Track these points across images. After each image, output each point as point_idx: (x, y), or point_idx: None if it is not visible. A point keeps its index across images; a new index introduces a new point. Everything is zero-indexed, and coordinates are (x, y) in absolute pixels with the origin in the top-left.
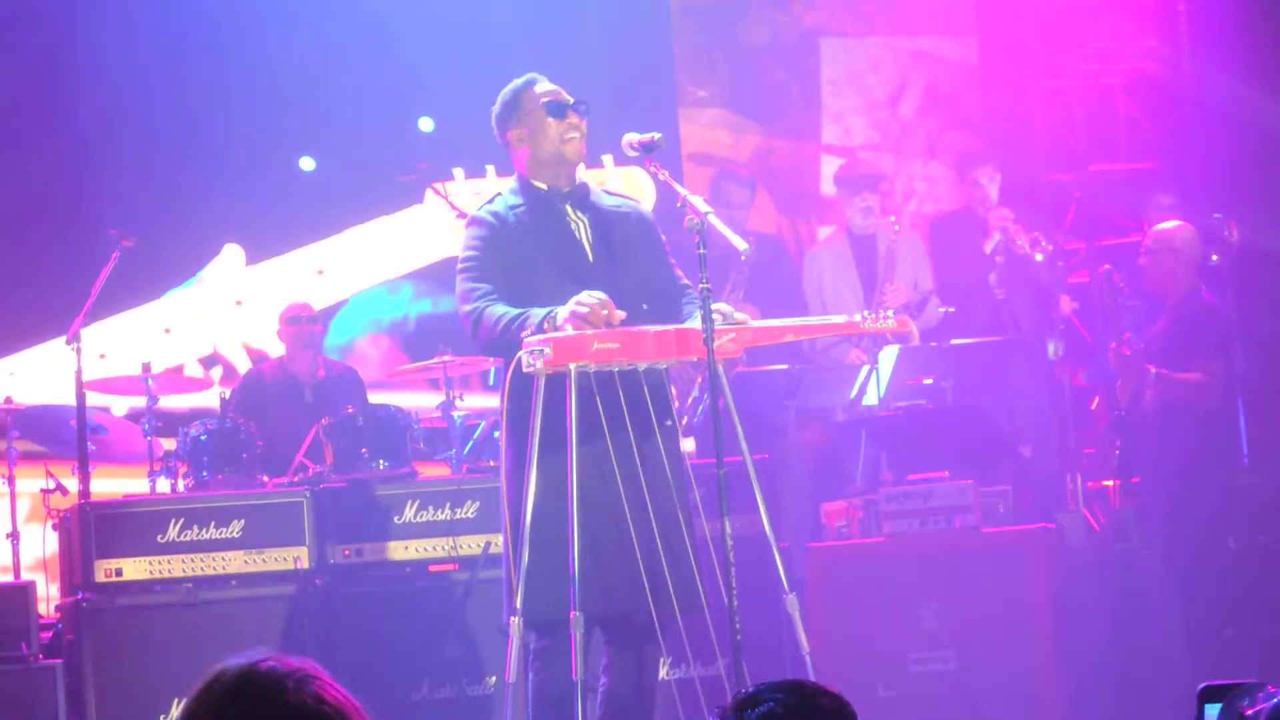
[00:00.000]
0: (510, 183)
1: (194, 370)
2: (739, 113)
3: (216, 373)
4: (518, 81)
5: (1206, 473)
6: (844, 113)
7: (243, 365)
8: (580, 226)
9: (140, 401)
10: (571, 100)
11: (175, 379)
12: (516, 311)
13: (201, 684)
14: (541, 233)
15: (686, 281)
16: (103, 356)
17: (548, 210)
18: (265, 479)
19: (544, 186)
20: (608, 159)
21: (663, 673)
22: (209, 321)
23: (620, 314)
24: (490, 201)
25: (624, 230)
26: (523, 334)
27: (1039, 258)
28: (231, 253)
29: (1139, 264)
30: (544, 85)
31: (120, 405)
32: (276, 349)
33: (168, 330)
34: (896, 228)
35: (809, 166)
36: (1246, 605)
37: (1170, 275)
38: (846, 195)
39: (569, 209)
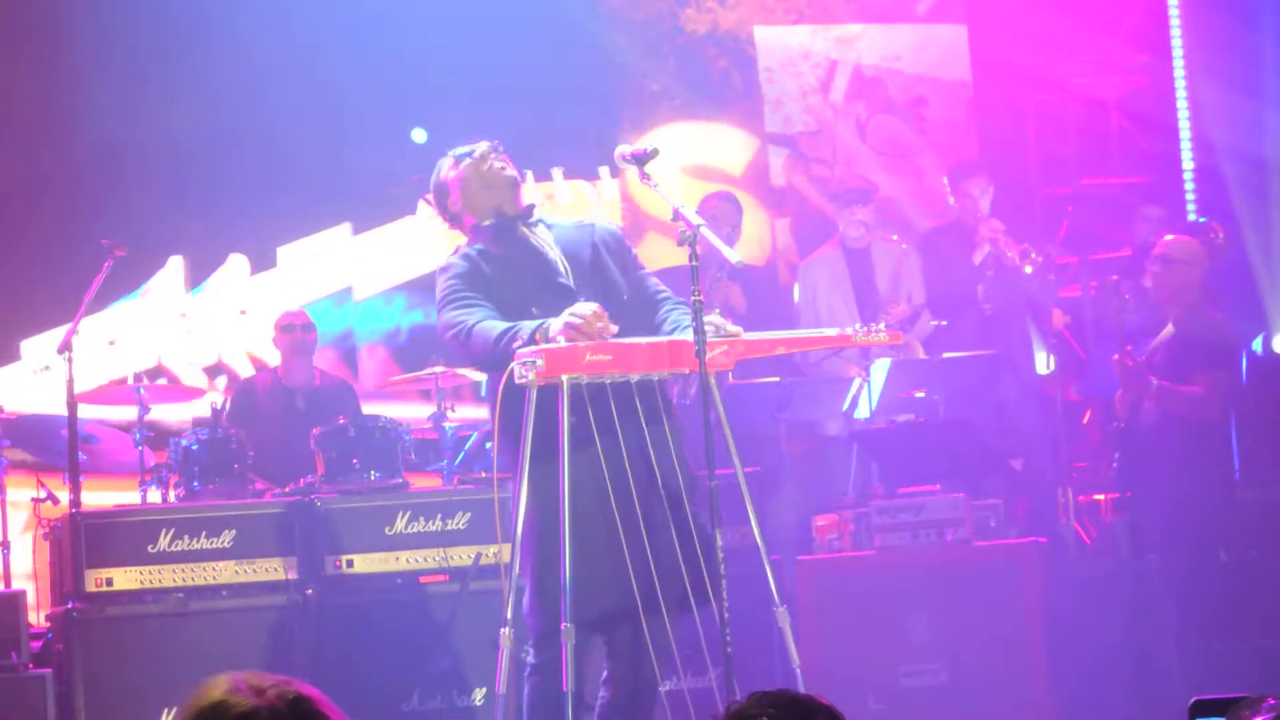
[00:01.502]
0: (463, 241)
1: (198, 380)
2: (731, 124)
3: (221, 381)
4: (437, 169)
5: (1203, 486)
6: (782, 99)
7: (244, 371)
8: (544, 242)
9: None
10: (487, 146)
11: (168, 388)
12: (507, 325)
13: (194, 711)
14: (512, 257)
15: (663, 288)
16: (47, 368)
17: (508, 236)
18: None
19: (490, 221)
20: (557, 172)
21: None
22: (155, 333)
23: (614, 327)
24: (455, 252)
25: (588, 242)
26: (513, 347)
27: (1028, 270)
28: (175, 264)
29: (1145, 275)
30: (454, 152)
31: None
32: (272, 358)
33: (112, 342)
34: (904, 246)
35: (758, 158)
36: (1238, 618)
37: (1174, 287)
38: (838, 209)
39: (524, 229)
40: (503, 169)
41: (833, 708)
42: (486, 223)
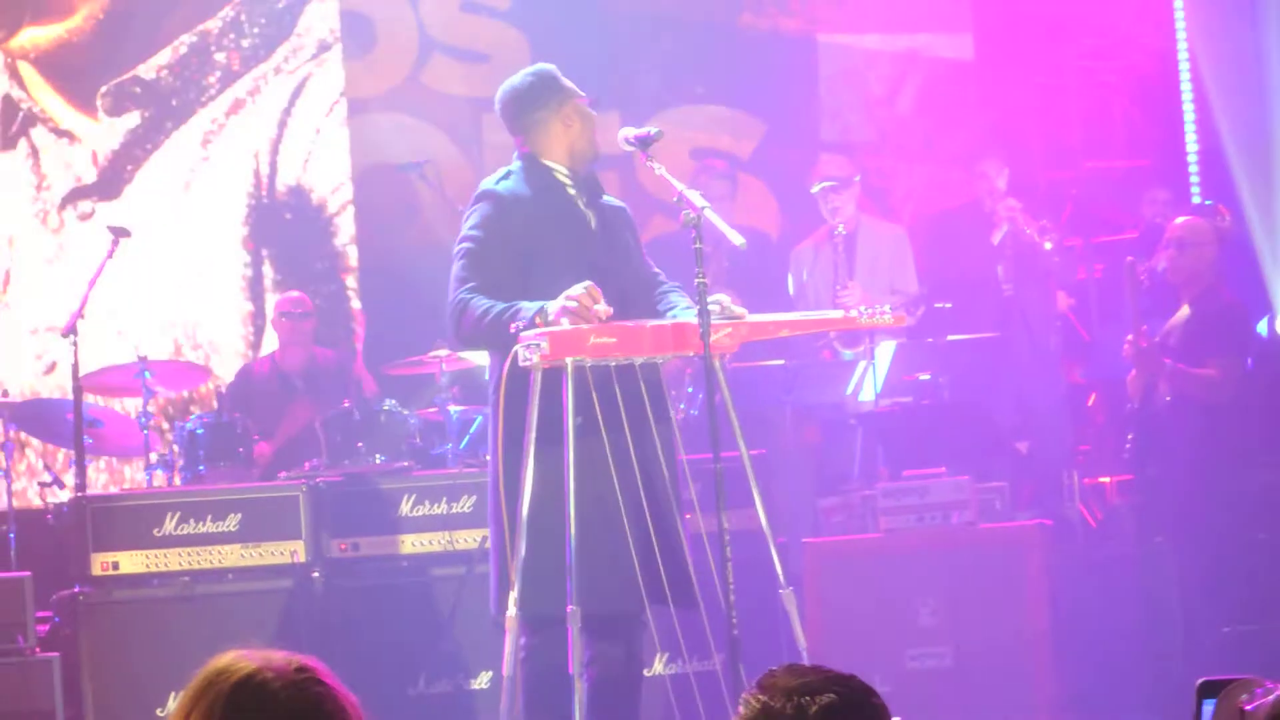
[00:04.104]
0: (517, 163)
1: None
2: (738, 108)
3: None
4: (545, 68)
5: (1214, 469)
6: (842, 110)
7: None
8: (590, 217)
9: None
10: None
11: (173, 370)
12: (504, 305)
13: (201, 678)
14: (555, 218)
15: (658, 269)
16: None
17: (562, 197)
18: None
19: (563, 172)
20: None
21: (658, 667)
22: None
23: (608, 309)
24: (505, 178)
25: (620, 224)
26: (511, 327)
27: (1048, 245)
28: None
29: (1160, 256)
30: (563, 80)
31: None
32: None
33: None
34: (841, 230)
35: (807, 165)
36: (1245, 602)
37: (1189, 270)
38: (821, 195)
39: (577, 197)
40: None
41: (879, 698)
42: (559, 168)
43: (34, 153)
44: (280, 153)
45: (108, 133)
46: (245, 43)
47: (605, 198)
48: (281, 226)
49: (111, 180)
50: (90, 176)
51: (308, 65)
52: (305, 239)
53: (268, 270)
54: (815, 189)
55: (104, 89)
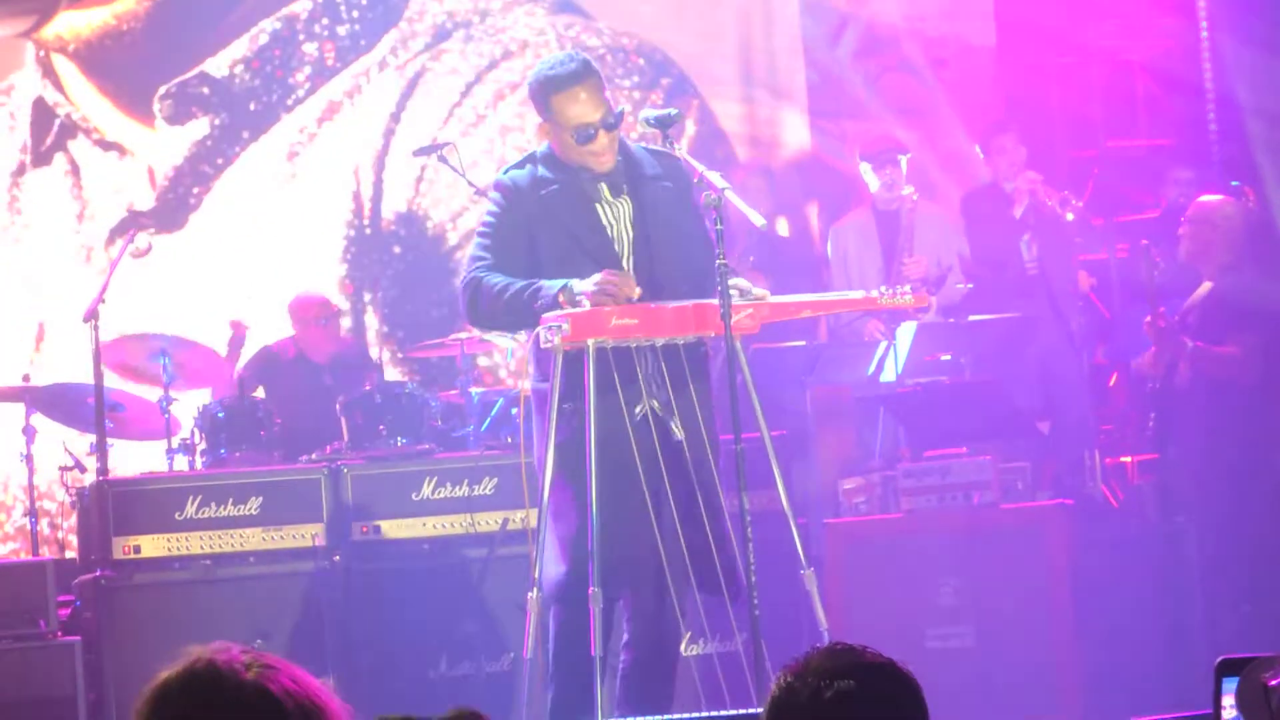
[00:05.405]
0: (543, 147)
1: None
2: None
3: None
4: (555, 73)
5: (1235, 448)
6: (777, 52)
7: None
8: (613, 211)
9: None
10: (598, 119)
11: (193, 358)
12: (524, 282)
13: (157, 682)
14: (556, 209)
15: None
16: None
17: (578, 191)
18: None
19: (576, 166)
20: None
21: (681, 648)
22: None
23: (637, 290)
24: (519, 166)
25: (664, 211)
26: (535, 305)
27: (1070, 216)
28: None
29: (1179, 235)
30: (575, 106)
31: None
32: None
33: None
34: (915, 197)
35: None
36: (1266, 581)
37: (1209, 248)
38: (875, 169)
39: (604, 190)
40: (606, 155)
41: (913, 679)
42: (571, 164)
43: (74, 171)
44: (387, 169)
45: (168, 145)
46: (342, 30)
47: (650, 171)
48: (390, 263)
49: (173, 206)
50: (145, 201)
51: (420, 58)
52: (420, 279)
53: (371, 320)
54: (863, 164)
55: (162, 90)
